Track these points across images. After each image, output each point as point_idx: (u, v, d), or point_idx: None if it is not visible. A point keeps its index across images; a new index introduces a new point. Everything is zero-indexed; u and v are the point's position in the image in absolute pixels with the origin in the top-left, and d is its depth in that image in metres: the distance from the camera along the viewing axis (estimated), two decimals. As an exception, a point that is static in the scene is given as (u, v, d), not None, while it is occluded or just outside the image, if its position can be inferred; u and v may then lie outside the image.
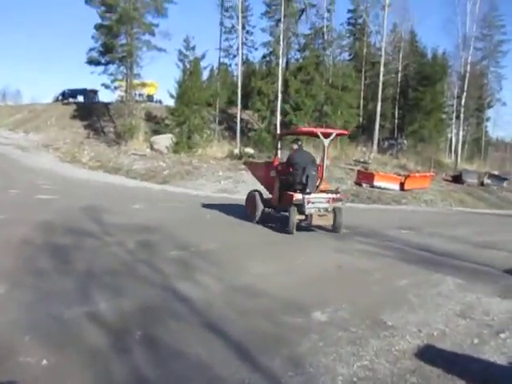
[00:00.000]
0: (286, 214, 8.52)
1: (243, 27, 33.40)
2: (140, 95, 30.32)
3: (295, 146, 9.08)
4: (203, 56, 28.01)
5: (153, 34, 27.37)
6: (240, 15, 30.82)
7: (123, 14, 25.57)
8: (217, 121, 31.68)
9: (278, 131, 24.30)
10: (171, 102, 28.62)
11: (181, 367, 3.11)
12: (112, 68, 27.57)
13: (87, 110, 33.48)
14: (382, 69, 29.75)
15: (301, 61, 31.21)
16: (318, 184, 8.64)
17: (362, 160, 26.65)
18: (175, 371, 3.05)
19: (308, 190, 8.36)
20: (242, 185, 18.55)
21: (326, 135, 8.69)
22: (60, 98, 41.38)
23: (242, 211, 10.64)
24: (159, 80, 53.00)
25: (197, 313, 4.08)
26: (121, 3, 26.04)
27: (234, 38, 35.05)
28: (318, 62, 30.94)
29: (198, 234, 7.98)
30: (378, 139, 30.50)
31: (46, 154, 24.96)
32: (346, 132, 11.62)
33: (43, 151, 25.62)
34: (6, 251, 5.86)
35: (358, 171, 21.66)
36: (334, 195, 8.77)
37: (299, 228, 8.55)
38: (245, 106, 31.79)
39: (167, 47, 30.43)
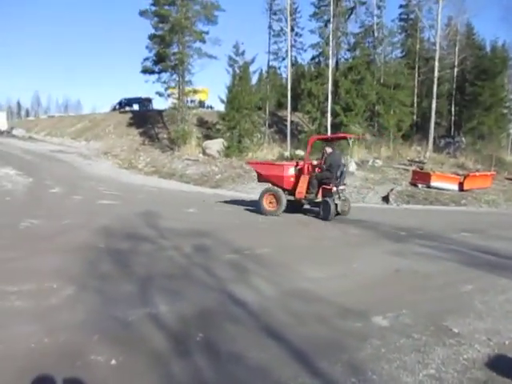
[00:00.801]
0: (307, 206, 10.79)
1: (292, 29, 33.33)
2: (192, 101, 31.07)
3: (329, 150, 10.59)
4: (252, 60, 28.35)
5: (203, 41, 28.03)
6: (289, 18, 30.82)
7: (175, 24, 26.38)
8: (267, 124, 31.83)
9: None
10: (222, 107, 29.16)
11: (241, 371, 3.15)
12: (165, 76, 28.59)
13: (142, 117, 34.76)
14: (436, 64, 28.57)
15: (351, 60, 30.62)
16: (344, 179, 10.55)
17: (417, 160, 25.71)
18: (235, 375, 3.10)
19: (341, 184, 10.33)
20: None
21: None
22: (117, 107, 43.39)
23: (293, 214, 10.66)
24: (210, 86, 54.18)
25: (254, 317, 4.11)
26: (173, 13, 26.88)
27: (282, 40, 35.08)
28: (368, 61, 30.28)
29: (251, 237, 8.05)
30: (434, 137, 29.29)
31: (105, 161, 26.17)
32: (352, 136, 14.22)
33: (103, 158, 26.88)
34: (71, 255, 6.20)
35: (413, 171, 20.90)
36: (345, 187, 10.99)
37: (350, 229, 8.46)
38: (294, 109, 31.69)
39: (217, 53, 31.03)
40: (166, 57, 27.60)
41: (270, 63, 37.23)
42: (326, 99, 27.68)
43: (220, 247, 6.93)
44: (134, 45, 46.46)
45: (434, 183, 18.75)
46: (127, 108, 41.19)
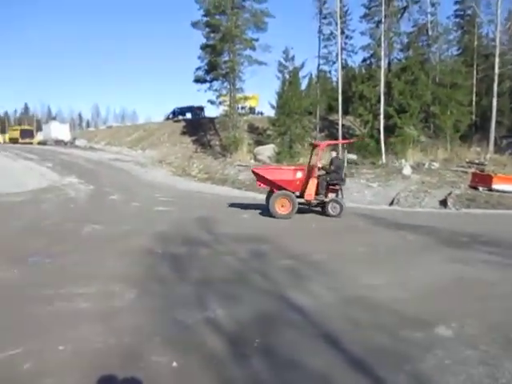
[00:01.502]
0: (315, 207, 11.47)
1: (342, 32, 33.00)
2: (242, 108, 31.48)
3: (335, 153, 11.86)
4: (302, 65, 28.32)
5: (253, 48, 28.38)
6: (339, 21, 30.49)
7: (226, 33, 26.93)
8: (317, 128, 31.62)
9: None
10: (272, 113, 29.29)
11: (299, 377, 3.14)
12: (216, 84, 29.27)
13: (195, 125, 35.64)
14: (497, 60, 27.11)
15: (404, 61, 29.75)
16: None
17: (476, 161, 24.45)
18: (294, 381, 3.08)
19: (344, 185, 11.53)
20: (346, 192, 18.08)
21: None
22: (170, 116, 44.86)
23: (345, 219, 10.52)
24: (260, 92, 54.64)
25: (311, 323, 4.08)
26: (223, 23, 27.43)
27: (332, 44, 34.83)
28: (422, 61, 29.28)
29: (305, 242, 8.01)
30: (495, 138, 27.76)
31: (160, 168, 27.02)
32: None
33: (158, 166, 27.77)
34: (131, 259, 6.46)
35: (473, 173, 19.89)
36: None
37: (407, 235, 8.19)
38: (345, 112, 31.24)
39: (267, 60, 31.18)
40: (217, 65, 28.22)
41: (320, 67, 37.09)
42: (379, 101, 27.03)
43: (275, 252, 6.94)
44: (187, 56, 47.81)
45: (496, 186, 17.75)
46: (180, 117, 42.46)
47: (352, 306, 4.61)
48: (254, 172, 11.97)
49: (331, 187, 11.29)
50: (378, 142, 25.20)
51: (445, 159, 24.73)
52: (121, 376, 3.09)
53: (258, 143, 27.95)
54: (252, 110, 37.74)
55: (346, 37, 35.63)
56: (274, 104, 27.54)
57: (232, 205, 14.41)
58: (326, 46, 35.68)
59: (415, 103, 25.99)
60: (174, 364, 3.29)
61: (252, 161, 25.92)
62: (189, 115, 42.67)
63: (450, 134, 26.69)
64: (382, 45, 27.96)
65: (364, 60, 32.03)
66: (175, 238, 8.15)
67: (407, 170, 20.40)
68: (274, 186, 11.20)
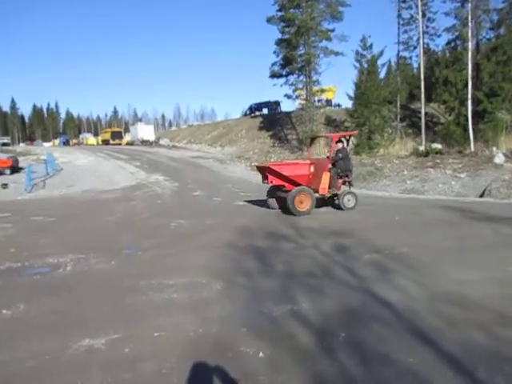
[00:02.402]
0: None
1: (423, 15, 31.13)
2: (319, 101, 31.08)
3: (341, 145, 11.25)
4: (381, 53, 27.22)
5: (329, 39, 27.88)
6: (419, 3, 28.87)
7: (301, 26, 26.72)
8: (398, 118, 30.27)
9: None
10: (349, 104, 28.60)
11: (390, 373, 3.05)
12: (292, 78, 29.19)
13: (271, 120, 35.90)
14: None
15: (494, 40, 27.45)
16: None
17: None
18: (385, 377, 3.00)
19: (351, 176, 11.32)
20: (430, 184, 17.30)
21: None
22: (247, 112, 45.66)
23: (430, 212, 9.98)
24: (337, 83, 53.57)
25: (400, 318, 3.94)
26: (298, 16, 27.23)
27: (413, 28, 32.95)
28: (516, 39, 26.79)
29: (388, 236, 7.73)
30: None
31: (238, 164, 27.62)
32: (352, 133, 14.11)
33: (236, 162, 28.41)
34: (216, 252, 6.69)
35: None
36: None
37: (502, 228, 7.58)
38: (428, 99, 29.56)
39: (344, 49, 30.50)
40: (292, 59, 28.11)
41: (400, 54, 35.33)
42: (465, 86, 25.22)
43: (358, 246, 6.80)
44: (262, 52, 48.23)
45: None
46: (257, 112, 43.01)
47: (443, 302, 4.37)
48: (266, 168, 11.27)
49: (345, 179, 11.22)
50: (465, 129, 23.52)
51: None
52: (211, 364, 3.21)
53: (336, 136, 27.44)
54: (329, 103, 37.16)
55: (428, 19, 33.53)
56: (352, 95, 26.86)
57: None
58: (405, 31, 33.84)
59: (508, 86, 23.88)
60: (261, 354, 3.36)
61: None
62: (265, 110, 43.11)
63: (550, 117, 24.19)
64: (469, 24, 25.99)
65: (448, 43, 29.94)
66: (257, 231, 8.30)
67: (499, 159, 18.85)
68: (288, 182, 10.73)
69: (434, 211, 10.61)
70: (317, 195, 10.65)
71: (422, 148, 23.01)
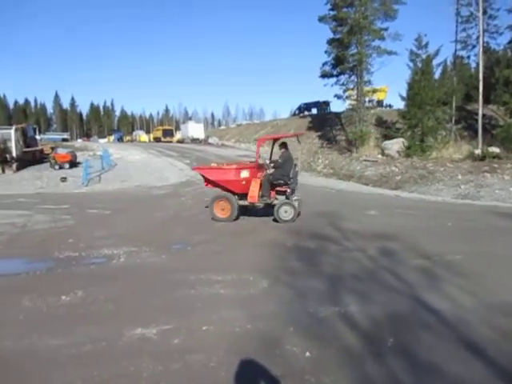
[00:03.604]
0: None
1: (484, 12, 29.75)
2: (370, 101, 30.47)
3: (283, 150, 10.04)
4: (437, 52, 26.23)
5: (382, 38, 27.24)
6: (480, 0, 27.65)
7: (354, 25, 26.30)
8: (453, 120, 29.09)
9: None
10: (402, 105, 27.85)
11: (438, 382, 2.98)
12: (343, 78, 28.74)
13: (320, 121, 35.59)
14: None
15: (562, 38, 25.82)
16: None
17: None
18: (432, 384, 2.95)
19: (293, 185, 9.71)
20: (487, 189, 16.53)
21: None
22: (296, 112, 45.50)
23: (485, 219, 9.55)
24: (389, 84, 52.17)
25: (450, 327, 3.84)
26: (351, 15, 26.84)
27: (472, 26, 31.55)
28: None
29: (439, 242, 7.49)
30: None
31: (286, 164, 27.58)
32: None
33: (284, 162, 28.38)
34: (263, 250, 6.78)
35: None
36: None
37: None
38: (486, 101, 28.21)
39: (397, 49, 29.68)
40: (344, 59, 27.72)
41: (457, 53, 33.95)
42: (528, 87, 23.90)
43: (406, 251, 6.64)
44: (312, 51, 47.98)
45: None
46: (306, 112, 42.76)
47: (497, 312, 4.21)
48: (195, 169, 11.00)
49: (278, 189, 9.76)
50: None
51: None
52: (258, 360, 3.27)
53: (386, 137, 26.78)
54: (380, 103, 36.34)
55: (489, 17, 31.93)
56: (404, 95, 26.12)
57: (358, 201, 14.16)
58: (464, 30, 32.40)
59: None
60: (308, 354, 3.38)
61: (379, 155, 24.98)
62: (314, 111, 42.78)
63: None
64: (535, 22, 24.59)
65: (511, 41, 28.53)
66: (303, 232, 8.30)
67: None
68: (221, 187, 10.00)
69: (490, 218, 10.16)
70: (244, 203, 9.84)
71: (478, 151, 22.01)
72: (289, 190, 9.63)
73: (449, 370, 3.11)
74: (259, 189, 9.73)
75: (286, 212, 9.37)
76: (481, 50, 27.97)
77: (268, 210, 9.83)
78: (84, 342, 3.62)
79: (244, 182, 9.78)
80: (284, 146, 10.12)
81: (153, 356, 3.37)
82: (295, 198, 9.93)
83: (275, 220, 9.34)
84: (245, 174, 9.87)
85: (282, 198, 9.66)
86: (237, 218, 9.68)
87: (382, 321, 4.02)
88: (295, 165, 9.97)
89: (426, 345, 3.52)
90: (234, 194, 9.80)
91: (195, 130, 47.12)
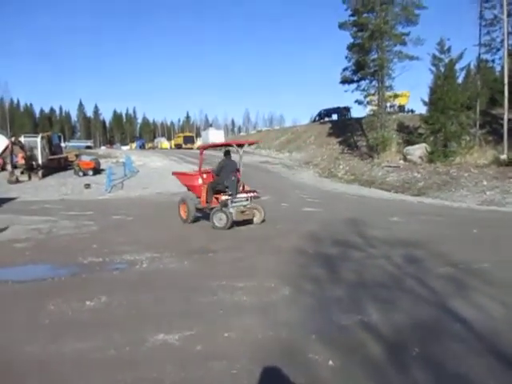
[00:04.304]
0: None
1: (508, 15, 29.19)
2: (391, 107, 30.18)
3: (224, 157, 10.48)
4: (460, 56, 25.85)
5: (404, 43, 27.03)
6: (505, 2, 27.12)
7: (375, 30, 26.17)
8: (477, 125, 28.54)
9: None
10: (424, 110, 27.47)
11: (468, 394, 2.89)
12: (364, 84, 28.63)
13: (341, 127, 35.39)
14: None
15: None
16: (238, 186, 10.17)
17: None
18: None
19: (230, 192, 9.86)
20: (516, 195, 16.12)
21: (240, 145, 10.95)
22: (317, 118, 45.38)
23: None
24: (410, 89, 51.49)
25: (479, 338, 3.72)
26: (372, 20, 26.72)
27: (496, 29, 31.01)
28: None
29: (465, 249, 7.33)
30: None
31: (306, 170, 27.54)
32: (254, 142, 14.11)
33: (304, 168, 28.35)
34: (285, 257, 6.75)
35: None
36: (252, 194, 10.25)
37: None
38: (512, 104, 27.60)
39: (419, 53, 29.23)
40: (365, 64, 27.59)
41: (481, 56, 33.36)
42: (556, 91, 23.29)
43: (431, 259, 6.51)
44: (333, 57, 47.82)
45: None
46: (326, 118, 42.61)
47: (530, 323, 4.07)
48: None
49: (216, 196, 10.10)
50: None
51: None
52: (280, 368, 3.24)
53: (408, 143, 26.43)
54: (401, 108, 35.92)
55: (515, 19, 31.40)
56: (427, 100, 25.79)
57: (380, 207, 13.99)
58: (488, 33, 31.84)
59: None
60: (331, 363, 3.33)
61: (401, 161, 24.66)
62: (335, 116, 42.58)
63: None
64: (562, 24, 24.00)
65: (537, 43, 27.85)
66: (325, 238, 8.24)
67: None
68: (192, 191, 10.95)
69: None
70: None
71: (503, 157, 21.50)
72: (223, 198, 9.76)
73: (478, 382, 3.01)
74: (206, 194, 10.38)
75: (220, 219, 9.58)
76: (505, 52, 27.41)
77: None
78: (108, 346, 3.65)
79: (202, 188, 10.54)
80: (226, 153, 10.57)
81: (175, 362, 3.37)
82: (243, 204, 10.02)
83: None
84: (201, 180, 10.69)
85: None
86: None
87: (407, 330, 3.93)
88: (235, 172, 10.27)
89: (454, 355, 3.42)
90: (198, 197, 10.61)
91: (216, 136, 47.39)
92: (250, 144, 12.31)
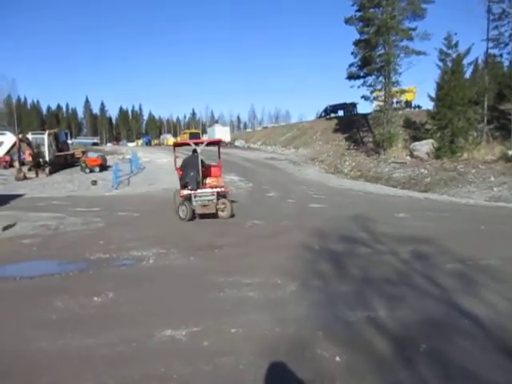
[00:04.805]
0: None
1: (516, 9, 28.90)
2: (398, 102, 30.00)
3: (191, 154, 11.22)
4: (467, 51, 25.63)
5: (410, 38, 26.84)
6: (513, -4, 26.84)
7: (381, 25, 26.00)
8: (485, 120, 28.32)
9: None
10: (431, 106, 27.28)
11: (475, 391, 2.88)
12: (370, 79, 28.46)
13: (347, 122, 35.26)
14: None
15: None
16: (199, 182, 10.52)
17: None
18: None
19: (190, 187, 10.37)
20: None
21: (198, 144, 11.57)
22: (323, 114, 45.26)
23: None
24: (417, 84, 51.14)
25: (487, 334, 3.70)
26: (378, 15, 26.54)
27: (504, 23, 30.70)
28: None
29: (473, 246, 7.29)
30: None
31: (312, 166, 27.48)
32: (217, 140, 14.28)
33: (310, 164, 28.29)
34: (290, 253, 6.72)
35: None
36: (217, 189, 10.49)
37: None
38: (520, 100, 27.33)
39: (426, 48, 29.15)
40: (371, 60, 27.44)
41: (489, 51, 33.05)
42: None
43: (438, 255, 6.48)
44: (338, 53, 47.59)
45: None
46: (332, 114, 42.46)
47: (538, 320, 4.04)
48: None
49: (180, 190, 10.71)
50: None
51: None
52: (287, 363, 3.23)
53: (415, 138, 26.30)
54: (408, 104, 35.68)
55: (523, 13, 31.04)
56: (433, 95, 25.59)
57: (386, 203, 13.94)
58: (496, 27, 31.51)
59: None
60: (337, 359, 3.33)
61: (408, 157, 24.53)
62: (341, 112, 42.42)
63: None
64: None
65: (545, 38, 27.55)
66: (331, 234, 8.21)
67: None
68: None
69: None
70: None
71: (511, 153, 21.34)
72: (185, 192, 10.33)
73: (485, 379, 3.00)
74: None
75: (183, 211, 10.21)
76: (513, 47, 27.12)
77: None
78: (115, 342, 3.67)
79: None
80: (193, 151, 11.31)
81: (182, 358, 3.38)
82: (207, 199, 10.30)
83: None
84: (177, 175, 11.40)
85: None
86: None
87: (414, 326, 3.92)
88: (196, 169, 10.61)
89: (462, 351, 3.41)
90: None
91: (221, 132, 47.42)
92: (210, 143, 13.04)
